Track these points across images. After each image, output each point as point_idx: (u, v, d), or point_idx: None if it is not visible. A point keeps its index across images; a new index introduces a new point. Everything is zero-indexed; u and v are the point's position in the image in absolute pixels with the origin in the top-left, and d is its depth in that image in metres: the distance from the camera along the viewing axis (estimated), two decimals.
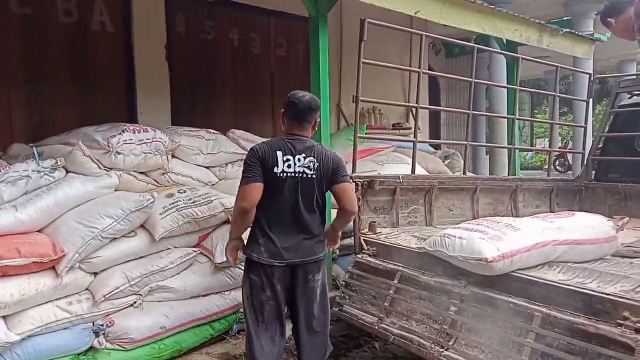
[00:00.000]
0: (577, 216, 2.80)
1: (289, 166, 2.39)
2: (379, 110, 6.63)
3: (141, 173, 3.25)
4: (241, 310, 3.15)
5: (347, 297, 3.12)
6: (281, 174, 2.38)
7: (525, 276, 2.31)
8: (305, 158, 2.41)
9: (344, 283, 3.21)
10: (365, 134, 5.22)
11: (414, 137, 3.88)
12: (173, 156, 3.52)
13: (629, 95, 4.83)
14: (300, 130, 2.48)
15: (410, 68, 4.48)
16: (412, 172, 3.77)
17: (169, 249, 2.98)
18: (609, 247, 2.60)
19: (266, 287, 2.44)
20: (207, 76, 5.03)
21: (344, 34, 5.95)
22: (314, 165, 2.42)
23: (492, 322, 2.32)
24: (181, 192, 3.11)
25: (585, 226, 2.58)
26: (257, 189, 2.36)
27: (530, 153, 17.05)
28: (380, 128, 6.47)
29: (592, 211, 4.47)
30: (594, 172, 4.74)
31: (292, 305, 2.55)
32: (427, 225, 3.70)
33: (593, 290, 2.06)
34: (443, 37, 4.47)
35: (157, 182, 3.35)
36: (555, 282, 2.21)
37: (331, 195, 2.62)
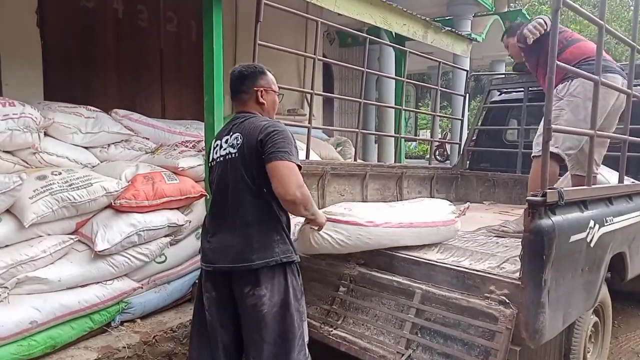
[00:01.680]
0: (423, 202, 3.03)
1: (216, 152, 2.10)
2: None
3: (7, 152, 2.88)
4: (125, 300, 2.98)
5: None
6: (212, 162, 2.13)
7: (407, 256, 2.48)
8: (231, 136, 2.04)
9: None
10: None
11: (309, 124, 3.93)
12: (46, 134, 3.17)
13: (499, 93, 5.36)
14: (240, 105, 2.14)
15: (306, 54, 4.50)
16: (306, 158, 3.82)
17: (40, 236, 2.69)
18: (446, 230, 2.74)
19: (203, 293, 2.09)
20: (86, 48, 4.59)
21: (238, 14, 5.80)
22: (237, 141, 2.01)
23: (377, 301, 2.46)
24: (55, 174, 2.82)
25: (425, 211, 2.75)
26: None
27: (414, 143, 18.23)
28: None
29: (466, 197, 4.96)
30: (468, 161, 5.20)
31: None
32: (319, 209, 3.78)
33: (465, 268, 2.27)
34: (338, 25, 4.57)
35: (27, 163, 2.99)
36: (433, 261, 2.40)
37: None
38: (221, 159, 2.06)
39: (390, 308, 2.40)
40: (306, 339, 2.08)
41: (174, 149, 3.66)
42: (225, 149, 2.05)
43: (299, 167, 2.01)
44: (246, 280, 1.96)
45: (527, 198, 2.02)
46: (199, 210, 3.49)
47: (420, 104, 20.92)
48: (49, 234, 2.74)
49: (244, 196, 1.98)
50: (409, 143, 17.97)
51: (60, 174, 2.84)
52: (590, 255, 2.32)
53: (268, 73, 2.20)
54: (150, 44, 5.22)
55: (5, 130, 2.80)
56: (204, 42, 3.51)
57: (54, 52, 4.27)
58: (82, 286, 2.77)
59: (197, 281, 2.13)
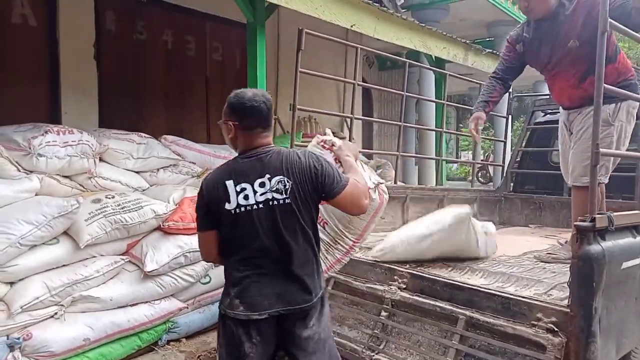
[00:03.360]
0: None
1: (246, 197, 1.77)
2: (315, 119, 6.71)
3: (65, 177, 3.08)
4: (171, 319, 3.07)
5: None
6: (244, 209, 1.77)
7: (450, 281, 2.45)
8: (270, 180, 1.77)
9: None
10: (302, 142, 5.27)
11: None
12: (101, 160, 3.36)
13: (543, 114, 5.25)
14: (255, 140, 1.82)
15: (345, 79, 4.59)
16: None
17: (94, 257, 2.84)
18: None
19: (239, 344, 1.82)
20: (138, 77, 4.85)
21: (281, 42, 5.98)
22: (283, 186, 1.78)
23: (420, 326, 2.43)
24: (109, 198, 2.98)
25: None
26: (207, 240, 1.85)
27: (455, 164, 17.96)
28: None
29: (510, 220, 4.84)
30: (512, 183, 5.09)
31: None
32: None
33: (511, 294, 2.22)
34: (377, 51, 4.64)
35: (83, 187, 3.18)
36: (477, 286, 2.35)
37: None
38: (260, 205, 1.77)
39: (433, 334, 2.36)
40: None
41: None
42: (263, 195, 1.77)
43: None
44: (300, 317, 1.84)
45: (575, 223, 1.97)
46: None
47: (461, 125, 20.65)
48: (102, 255, 2.88)
49: (298, 239, 1.82)
50: (450, 165, 17.72)
51: (113, 197, 3.00)
52: None
53: None
54: (196, 73, 5.45)
55: (65, 156, 2.99)
56: (247, 69, 3.66)
57: (108, 82, 4.53)
58: (131, 305, 2.89)
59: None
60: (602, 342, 1.94)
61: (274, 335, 1.84)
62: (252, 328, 1.80)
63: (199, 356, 2.97)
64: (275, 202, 1.77)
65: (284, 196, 1.77)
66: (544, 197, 4.68)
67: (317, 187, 1.81)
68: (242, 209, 1.77)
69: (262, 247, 1.79)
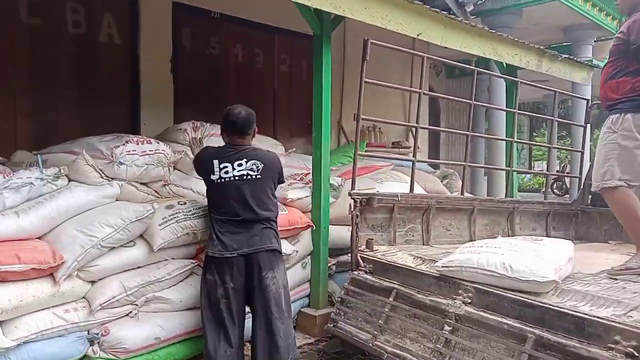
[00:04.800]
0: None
1: (226, 172, 2.74)
2: (379, 128, 6.69)
3: (142, 184, 3.28)
4: None
5: (342, 313, 3.14)
6: (221, 180, 2.74)
7: (519, 297, 2.34)
8: (246, 162, 2.76)
9: (339, 299, 3.24)
10: (365, 151, 5.27)
11: (413, 156, 3.93)
12: (175, 168, 3.55)
13: None
14: (240, 139, 2.85)
15: (410, 88, 4.55)
16: (410, 191, 3.82)
17: (166, 260, 2.99)
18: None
19: (219, 284, 2.69)
20: (210, 90, 5.09)
21: (346, 53, 6.04)
22: (256, 166, 2.77)
23: (485, 343, 2.34)
24: (181, 204, 3.13)
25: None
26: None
27: (528, 175, 17.12)
28: (380, 146, 6.53)
29: (588, 235, 4.55)
30: (590, 196, 4.78)
31: (251, 304, 2.80)
32: (424, 244, 3.73)
33: (585, 314, 2.09)
34: (443, 59, 4.56)
35: (158, 194, 3.37)
36: (549, 304, 2.24)
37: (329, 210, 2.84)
38: (236, 178, 2.74)
39: (500, 352, 2.27)
40: None
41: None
42: (240, 171, 2.74)
43: None
44: (262, 262, 2.73)
45: None
46: (306, 240, 3.62)
47: (535, 134, 19.67)
48: (173, 258, 3.03)
49: (264, 204, 2.79)
50: (523, 175, 16.92)
51: (185, 204, 3.15)
52: None
53: None
54: (265, 84, 5.63)
55: (143, 165, 3.19)
56: (313, 80, 3.72)
57: (183, 95, 4.80)
58: (198, 308, 3.00)
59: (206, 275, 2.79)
60: None
61: (243, 271, 2.71)
62: (224, 264, 2.68)
63: None
64: (250, 177, 2.75)
65: (256, 173, 2.76)
66: None
67: (277, 173, 2.92)
68: (223, 180, 2.74)
69: (235, 207, 2.71)
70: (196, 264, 3.08)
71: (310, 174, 3.83)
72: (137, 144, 3.21)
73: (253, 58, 5.49)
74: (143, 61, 4.52)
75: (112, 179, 3.06)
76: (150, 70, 4.54)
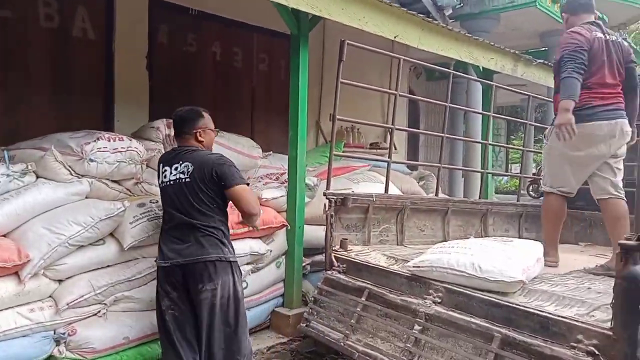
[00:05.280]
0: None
1: (165, 176, 2.58)
2: (358, 129, 6.72)
3: (114, 181, 3.22)
4: None
5: (315, 313, 3.14)
6: (162, 185, 2.61)
7: (487, 297, 2.38)
8: (181, 164, 2.54)
9: (312, 299, 3.24)
10: (343, 152, 5.28)
11: (389, 157, 3.95)
12: (148, 166, 3.51)
13: None
14: (182, 141, 2.66)
15: (386, 90, 4.57)
16: (385, 192, 3.84)
17: (137, 259, 2.95)
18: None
19: (163, 294, 2.52)
20: (187, 88, 5.04)
21: (326, 53, 6.05)
22: (187, 169, 2.52)
23: (454, 342, 2.37)
24: (153, 202, 3.08)
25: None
26: None
27: (505, 178, 17.38)
28: (358, 147, 6.56)
29: (560, 237, 4.62)
30: None
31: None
32: (398, 245, 3.76)
33: (550, 313, 2.13)
34: (420, 62, 4.60)
35: (130, 192, 3.32)
36: (515, 304, 2.27)
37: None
38: (173, 182, 2.54)
39: (468, 350, 2.30)
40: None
41: (259, 181, 3.86)
42: (175, 175, 2.54)
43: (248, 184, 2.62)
44: (198, 274, 2.44)
45: (620, 242, 1.87)
46: (280, 240, 3.62)
47: (513, 137, 20.00)
48: (144, 257, 2.99)
49: (197, 210, 2.48)
50: (500, 178, 17.17)
51: (157, 202, 3.10)
52: None
53: (205, 115, 2.70)
54: (243, 83, 5.60)
55: (114, 162, 3.13)
56: (290, 80, 3.72)
57: (158, 92, 4.74)
58: None
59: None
60: None
61: (181, 281, 2.47)
62: (164, 273, 2.52)
63: None
64: (181, 180, 2.52)
65: (186, 176, 2.51)
66: (595, 214, 4.45)
67: (209, 174, 2.48)
68: (164, 184, 2.60)
69: (173, 214, 2.53)
70: None
71: (286, 174, 3.82)
72: (109, 140, 3.15)
73: (231, 56, 5.45)
74: (118, 57, 4.45)
75: (82, 176, 3.01)
76: (125, 67, 4.47)
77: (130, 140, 3.28)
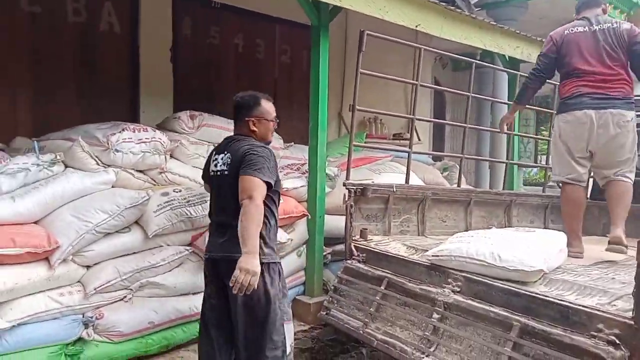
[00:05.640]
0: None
1: (215, 165, 2.44)
2: (380, 120, 6.68)
3: (139, 171, 3.31)
4: None
5: (335, 301, 3.16)
6: (210, 174, 2.47)
7: (507, 286, 2.35)
8: (225, 155, 2.39)
9: (332, 288, 3.26)
10: (365, 142, 5.27)
11: (409, 148, 3.93)
12: (171, 156, 3.59)
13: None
14: (237, 128, 2.50)
15: (407, 80, 4.53)
16: (406, 182, 3.82)
17: (161, 246, 3.03)
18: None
19: (206, 283, 2.48)
20: (210, 80, 5.11)
21: (348, 44, 6.03)
22: (228, 160, 2.35)
23: (472, 330, 2.36)
24: (176, 192, 3.17)
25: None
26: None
27: (535, 169, 16.99)
28: (381, 138, 6.52)
29: (586, 229, 4.51)
30: (590, 189, 4.75)
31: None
32: (419, 235, 3.74)
33: (570, 302, 2.09)
34: (442, 52, 4.54)
35: (154, 181, 3.41)
36: (535, 293, 2.24)
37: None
38: (218, 173, 2.41)
39: (486, 339, 2.28)
40: (289, 341, 2.35)
41: (281, 171, 3.89)
42: (219, 166, 2.40)
43: (268, 184, 2.27)
44: (232, 271, 2.19)
45: None
46: (301, 229, 3.65)
47: (543, 128, 19.51)
48: (168, 245, 3.07)
49: (232, 205, 2.28)
50: (529, 169, 16.80)
51: (180, 191, 3.18)
52: None
53: (263, 103, 2.47)
54: (266, 75, 5.64)
55: (139, 152, 3.23)
56: (311, 70, 3.73)
57: (183, 84, 4.83)
58: (193, 294, 3.05)
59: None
60: None
61: (216, 275, 2.37)
62: (205, 264, 2.46)
63: None
64: (223, 173, 2.37)
65: (225, 168, 2.36)
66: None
67: (239, 164, 2.28)
68: (212, 173, 2.45)
69: (215, 206, 2.46)
70: (191, 250, 3.12)
71: (307, 164, 3.84)
72: (134, 131, 3.24)
73: (254, 48, 5.49)
74: (143, 50, 4.55)
75: (108, 166, 3.10)
76: (150, 59, 4.57)
77: (155, 131, 3.37)
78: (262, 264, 2.21)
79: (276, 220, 2.46)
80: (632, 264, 2.25)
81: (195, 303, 3.00)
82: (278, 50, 5.72)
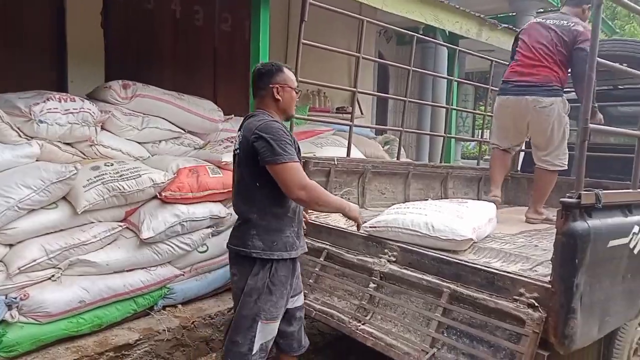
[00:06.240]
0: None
1: (235, 145, 2.24)
2: (324, 93, 6.66)
3: (66, 144, 3.13)
4: (167, 286, 3.15)
5: None
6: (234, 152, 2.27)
7: (439, 255, 2.44)
8: (240, 133, 2.18)
9: None
10: (308, 115, 5.24)
11: (351, 122, 3.95)
12: (103, 128, 3.41)
13: None
14: (258, 102, 2.24)
15: (349, 52, 4.51)
16: (347, 155, 3.85)
17: (92, 222, 2.90)
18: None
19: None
20: (146, 47, 4.86)
21: (291, 15, 5.91)
22: (240, 139, 2.16)
23: (406, 298, 2.44)
24: (108, 165, 3.02)
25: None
26: None
27: (472, 143, 17.65)
28: (324, 111, 6.52)
29: (516, 199, 4.78)
30: (520, 162, 5.00)
31: None
32: (359, 207, 3.79)
33: (496, 269, 2.20)
34: (382, 24, 4.55)
35: (84, 154, 3.23)
36: (464, 261, 2.34)
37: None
38: (234, 152, 2.24)
39: (419, 306, 2.37)
40: (260, 340, 2.14)
41: (220, 144, 3.81)
42: (236, 145, 2.21)
43: (300, 162, 2.13)
44: (234, 261, 2.21)
45: (561, 199, 1.94)
46: None
47: (481, 103, 20.22)
48: (100, 221, 2.94)
49: (243, 192, 2.17)
50: (467, 143, 17.43)
51: (112, 165, 3.04)
52: (634, 262, 2.18)
53: (285, 70, 2.25)
54: (205, 43, 5.43)
55: (66, 123, 3.04)
56: (251, 41, 3.63)
57: (115, 51, 4.56)
58: (128, 271, 2.95)
59: None
60: (582, 319, 1.92)
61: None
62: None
63: (193, 322, 3.05)
64: (237, 152, 2.20)
65: (237, 147, 2.19)
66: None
67: (252, 148, 2.06)
68: (234, 152, 2.24)
69: (234, 188, 2.26)
70: (124, 226, 3.01)
71: None
72: (60, 101, 3.04)
73: (192, 15, 5.26)
74: (70, 13, 4.23)
75: (32, 138, 2.91)
76: (78, 24, 4.26)
77: (83, 101, 3.18)
78: (252, 258, 2.10)
79: (286, 208, 2.17)
80: (554, 231, 2.41)
81: (129, 280, 2.92)
82: (218, 18, 5.51)
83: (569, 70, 3.53)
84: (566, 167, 3.68)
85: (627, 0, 2.23)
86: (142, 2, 4.85)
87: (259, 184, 2.10)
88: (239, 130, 2.21)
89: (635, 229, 2.15)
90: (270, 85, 2.19)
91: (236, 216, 2.25)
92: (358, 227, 2.46)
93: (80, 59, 4.24)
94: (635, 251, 2.15)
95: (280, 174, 2.03)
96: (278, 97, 2.20)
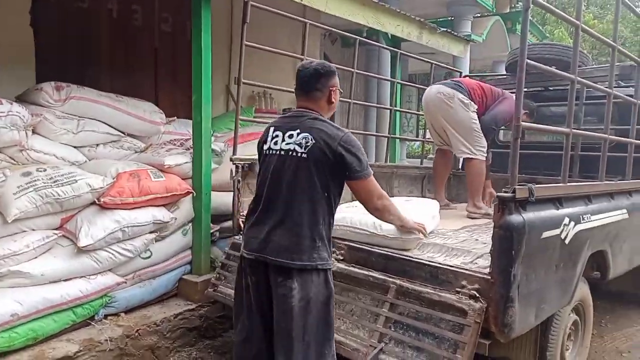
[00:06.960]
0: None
1: (275, 143, 2.06)
2: (270, 94, 6.62)
3: None
4: (109, 294, 3.02)
5: (223, 277, 3.13)
6: (266, 151, 2.11)
7: (384, 252, 2.49)
8: (298, 134, 2.00)
9: (220, 264, 3.22)
10: (254, 117, 5.20)
11: None
12: (35, 132, 3.22)
13: None
14: (305, 102, 2.11)
15: (293, 54, 4.52)
16: None
17: (24, 231, 2.74)
18: None
19: (243, 277, 2.11)
20: (81, 48, 4.63)
21: (234, 15, 5.84)
22: (306, 141, 1.98)
23: (354, 295, 2.47)
24: (40, 171, 2.86)
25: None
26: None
27: (417, 143, 18.15)
28: (271, 112, 6.47)
29: (458, 197, 4.95)
30: (462, 161, 5.18)
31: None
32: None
33: (439, 263, 2.29)
34: (325, 26, 4.59)
35: (14, 160, 3.04)
36: (409, 256, 2.41)
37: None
38: (282, 152, 2.03)
39: (366, 303, 2.41)
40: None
41: (162, 147, 3.70)
42: (288, 144, 2.02)
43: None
44: (281, 272, 1.97)
45: (497, 194, 2.03)
46: (185, 207, 3.52)
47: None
48: (33, 229, 2.78)
49: (303, 196, 1.98)
50: (412, 143, 17.89)
51: (45, 170, 2.88)
52: (565, 252, 2.32)
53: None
54: (144, 44, 5.26)
55: None
56: (192, 42, 3.56)
57: (47, 52, 4.31)
58: (65, 280, 2.81)
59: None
60: (520, 308, 2.02)
61: (264, 279, 2.01)
62: (248, 265, 2.06)
63: (137, 330, 2.94)
64: (295, 154, 2.00)
65: (303, 150, 1.98)
66: (491, 175, 4.79)
67: (336, 159, 1.97)
68: (270, 151, 2.09)
69: (272, 191, 2.03)
70: (60, 234, 2.86)
71: (191, 140, 3.69)
72: None
73: (130, 14, 5.07)
74: None
75: None
76: (4, 23, 4.00)
77: (11, 104, 2.99)
78: (318, 270, 1.97)
79: (334, 219, 2.14)
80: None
81: (67, 290, 2.77)
82: (158, 17, 5.35)
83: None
84: (485, 156, 3.95)
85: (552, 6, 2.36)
86: (76, 1, 4.63)
87: (327, 193, 2.00)
88: (295, 129, 2.02)
89: (566, 220, 2.28)
90: (330, 88, 2.12)
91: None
92: (424, 234, 2.60)
93: (8, 61, 3.98)
94: (567, 241, 2.29)
95: (365, 187, 2.11)
96: (334, 100, 2.14)
